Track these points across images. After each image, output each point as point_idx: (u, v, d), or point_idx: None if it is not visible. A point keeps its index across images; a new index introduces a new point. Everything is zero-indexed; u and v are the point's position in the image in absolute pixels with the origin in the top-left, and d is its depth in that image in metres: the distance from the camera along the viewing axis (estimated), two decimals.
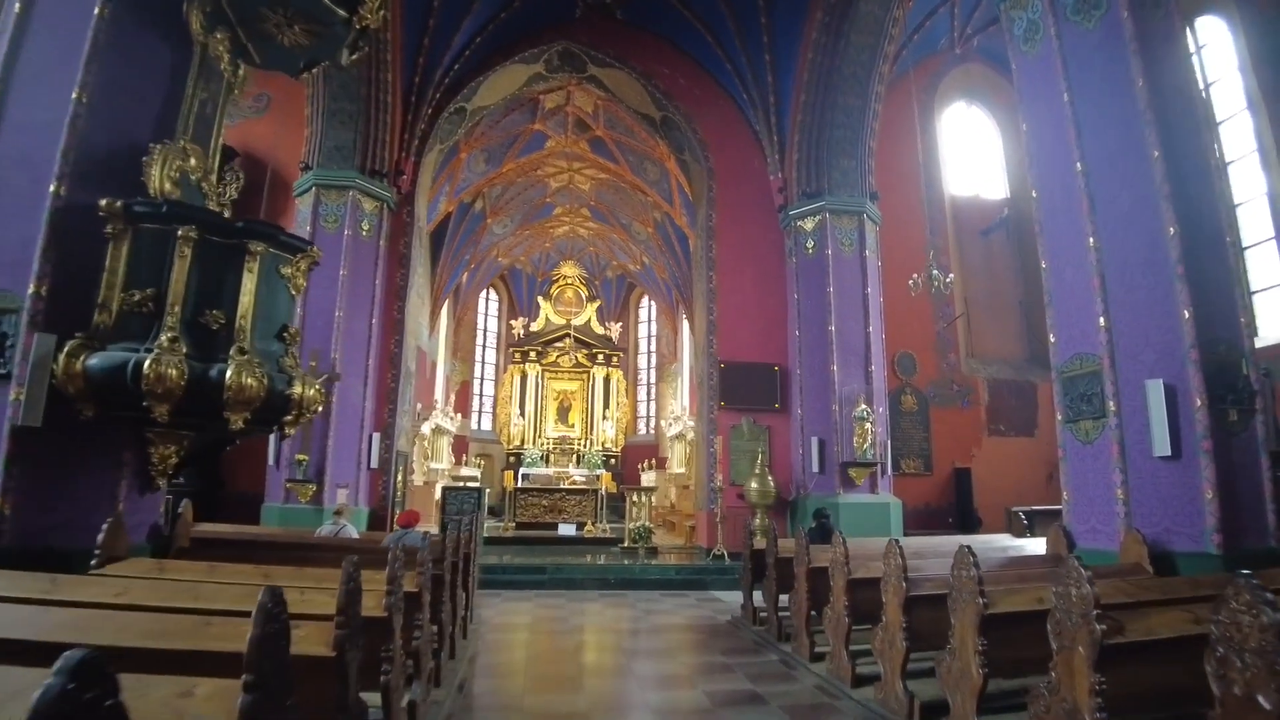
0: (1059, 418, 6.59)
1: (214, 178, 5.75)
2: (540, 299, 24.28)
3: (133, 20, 5.09)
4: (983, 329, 14.37)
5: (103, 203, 4.65)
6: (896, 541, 4.90)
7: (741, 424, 12.14)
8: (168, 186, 5.02)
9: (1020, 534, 8.46)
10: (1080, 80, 6.37)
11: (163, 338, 4.54)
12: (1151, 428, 5.60)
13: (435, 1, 11.76)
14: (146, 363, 4.40)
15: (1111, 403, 5.91)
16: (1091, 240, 6.10)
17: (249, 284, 4.96)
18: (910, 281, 10.24)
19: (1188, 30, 11.22)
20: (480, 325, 25.48)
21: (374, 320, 11.52)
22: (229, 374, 4.61)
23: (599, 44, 13.67)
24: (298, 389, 5.04)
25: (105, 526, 4.42)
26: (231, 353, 4.72)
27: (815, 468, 11.34)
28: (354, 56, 6.46)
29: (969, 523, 12.64)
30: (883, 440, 11.57)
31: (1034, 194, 6.92)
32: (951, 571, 4.19)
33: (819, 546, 6.45)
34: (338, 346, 10.85)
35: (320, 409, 5.45)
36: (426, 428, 17.52)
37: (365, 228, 11.59)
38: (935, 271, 9.83)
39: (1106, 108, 6.15)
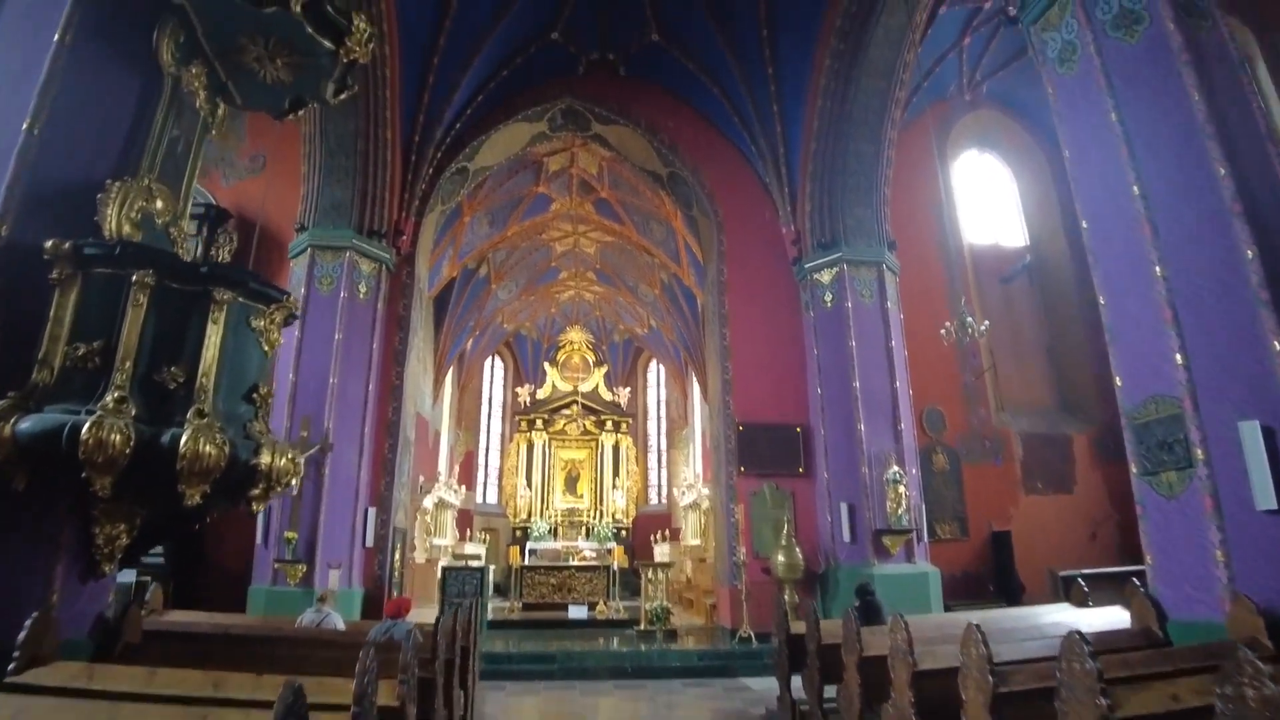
0: (1134, 470, 5.85)
1: (184, 223, 5.20)
2: (546, 365, 23.72)
3: (97, 48, 4.61)
4: (1010, 380, 13.68)
5: (48, 244, 4.07)
6: (977, 627, 4.10)
7: (763, 490, 11.32)
8: (126, 228, 4.45)
9: (1081, 602, 7.57)
10: (1128, 97, 5.86)
11: (108, 398, 3.89)
12: (1251, 476, 4.85)
13: (435, 58, 11.55)
14: (85, 426, 3.73)
15: (1198, 449, 5.17)
16: (1157, 268, 5.47)
17: (214, 337, 4.33)
18: (942, 330, 9.62)
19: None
20: (485, 393, 24.87)
21: (370, 385, 10.89)
22: (184, 440, 3.92)
23: (602, 99, 13.45)
24: (266, 458, 4.34)
25: (29, 623, 3.68)
26: (189, 415, 4.05)
27: (846, 536, 10.48)
28: (342, 96, 5.98)
29: (1011, 590, 11.68)
30: (917, 504, 10.74)
31: (1083, 223, 6.33)
32: (1059, 663, 3.39)
33: (870, 630, 5.61)
34: (331, 413, 10.19)
35: (294, 481, 4.73)
36: (429, 501, 16.69)
37: (362, 289, 11.08)
38: (969, 319, 9.20)
39: (1161, 124, 5.62)
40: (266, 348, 4.76)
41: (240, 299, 4.51)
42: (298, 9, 4.93)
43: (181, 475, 3.95)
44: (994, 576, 11.96)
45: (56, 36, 4.40)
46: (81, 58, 4.51)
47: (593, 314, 24.73)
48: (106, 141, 4.64)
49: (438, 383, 19.49)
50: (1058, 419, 13.53)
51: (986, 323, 9.73)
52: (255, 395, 4.59)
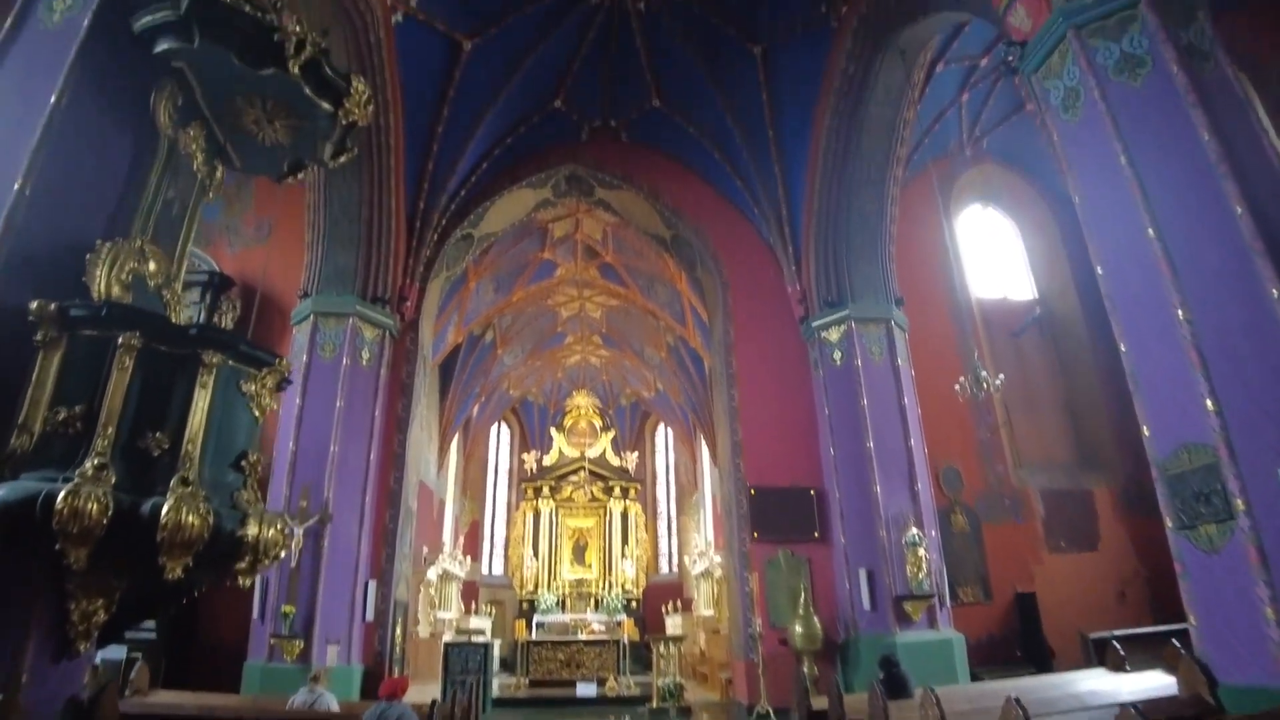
0: (1169, 524, 5.54)
1: (178, 286, 5.09)
2: (553, 430, 23.46)
3: (93, 109, 4.59)
4: (1026, 435, 13.35)
5: (34, 305, 3.95)
6: (1016, 701, 3.77)
7: (778, 557, 10.91)
8: (116, 290, 4.34)
9: (1117, 667, 7.14)
10: (1137, 139, 5.81)
11: (87, 464, 3.70)
12: None
13: (439, 127, 11.72)
14: (61, 495, 3.53)
15: (1238, 499, 4.90)
16: (1180, 311, 5.29)
17: (201, 402, 4.16)
18: (956, 386, 9.38)
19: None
20: (491, 460, 24.55)
21: (372, 454, 10.65)
22: (165, 509, 3.71)
23: (605, 165, 13.59)
24: (253, 529, 4.11)
25: None
26: (173, 483, 3.84)
27: (866, 604, 10.02)
28: (341, 158, 5.96)
29: (1040, 655, 11.11)
30: (938, 567, 10.32)
31: (1098, 268, 6.18)
32: None
33: (897, 704, 5.23)
34: (331, 482, 9.94)
35: (283, 553, 4.47)
36: (433, 573, 16.23)
37: (365, 356, 10.97)
38: (984, 373, 9.00)
39: (1172, 165, 5.56)
40: (257, 413, 4.57)
41: (230, 362, 4.36)
42: (295, 70, 4.93)
43: (162, 547, 3.72)
44: (1021, 641, 11.40)
45: (53, 98, 4.39)
46: (76, 119, 4.49)
47: (599, 378, 24.60)
48: (99, 202, 4.58)
49: (442, 450, 19.24)
50: (1078, 474, 13.15)
51: (1001, 376, 9.50)
52: (244, 462, 4.39)
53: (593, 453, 22.92)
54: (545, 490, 22.46)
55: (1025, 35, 6.90)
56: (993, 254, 15.11)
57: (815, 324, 11.81)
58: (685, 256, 14.11)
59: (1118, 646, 7.48)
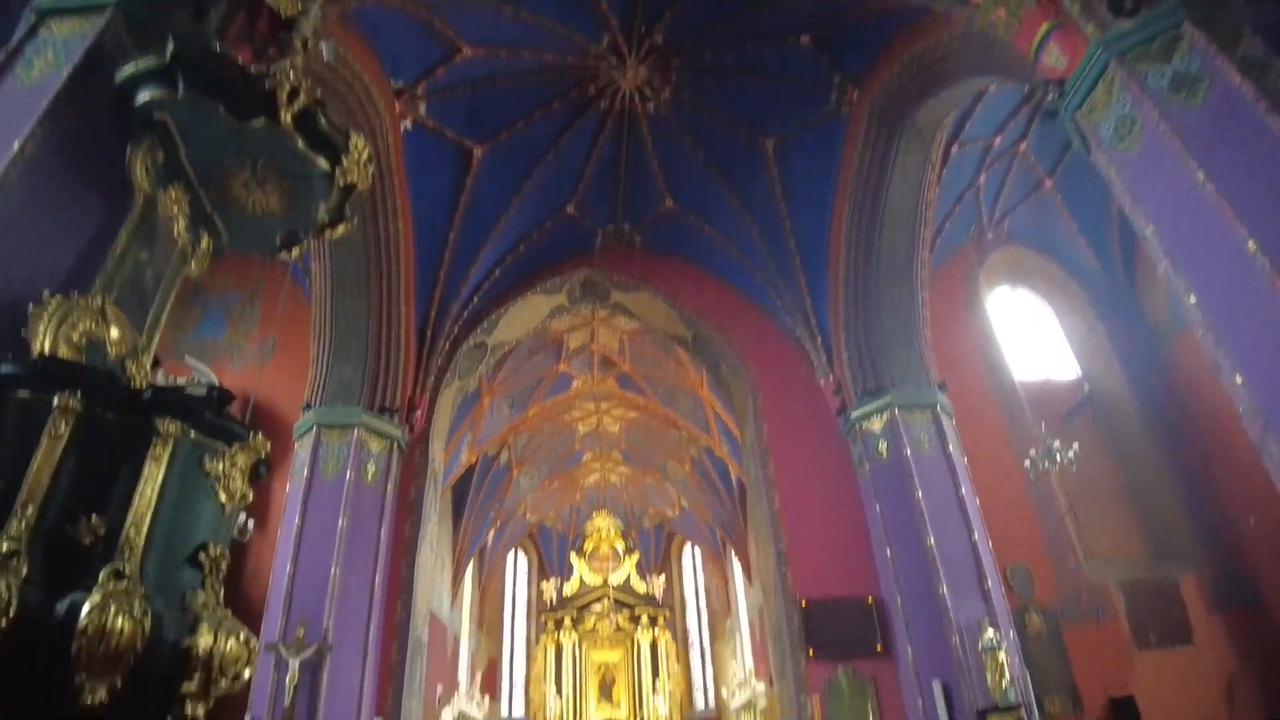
0: None
1: (147, 361, 4.42)
2: (574, 555, 22.10)
3: (60, 162, 4.12)
4: (1093, 525, 12.10)
5: None
6: None
7: (838, 677, 9.55)
8: (63, 350, 3.67)
9: None
10: (1212, 158, 5.25)
11: None
12: None
13: (451, 234, 11.48)
14: None
15: None
16: None
17: (152, 479, 3.42)
18: (1026, 462, 8.44)
19: None
20: (508, 591, 23.06)
21: (376, 579, 9.61)
22: (86, 609, 2.88)
23: (620, 268, 13.28)
24: (204, 639, 3.22)
25: None
26: (101, 576, 3.03)
27: None
28: (340, 229, 5.49)
29: None
30: (1020, 673, 8.96)
31: (1190, 298, 5.45)
32: None
33: None
34: (331, 610, 8.88)
35: (248, 674, 3.54)
36: (448, 715, 14.64)
37: (370, 471, 10.16)
38: (1056, 444, 8.07)
39: (1259, 176, 4.96)
40: (224, 499, 3.79)
41: (193, 434, 3.64)
42: (288, 120, 4.50)
43: (79, 660, 2.86)
44: None
45: (16, 145, 3.92)
46: (39, 171, 3.99)
47: (620, 499, 23.48)
48: (55, 256, 4.01)
49: (456, 581, 18.00)
50: (1155, 564, 11.82)
51: (1076, 445, 8.54)
52: (203, 557, 3.56)
53: (616, 579, 21.45)
54: (567, 621, 20.84)
55: (1062, 74, 6.52)
56: (1029, 335, 14.45)
57: (854, 415, 10.98)
58: (708, 356, 13.52)
59: None
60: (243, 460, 3.88)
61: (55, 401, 3.26)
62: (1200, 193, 5.24)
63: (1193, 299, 5.43)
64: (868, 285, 11.48)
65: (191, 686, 3.25)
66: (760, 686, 16.01)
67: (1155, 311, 13.75)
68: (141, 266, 4.49)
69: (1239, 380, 5.07)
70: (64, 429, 3.26)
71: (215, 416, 3.74)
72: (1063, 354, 14.30)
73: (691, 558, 24.39)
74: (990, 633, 8.75)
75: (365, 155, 5.01)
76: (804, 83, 10.74)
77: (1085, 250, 14.33)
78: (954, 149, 11.83)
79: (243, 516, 9.34)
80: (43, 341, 3.60)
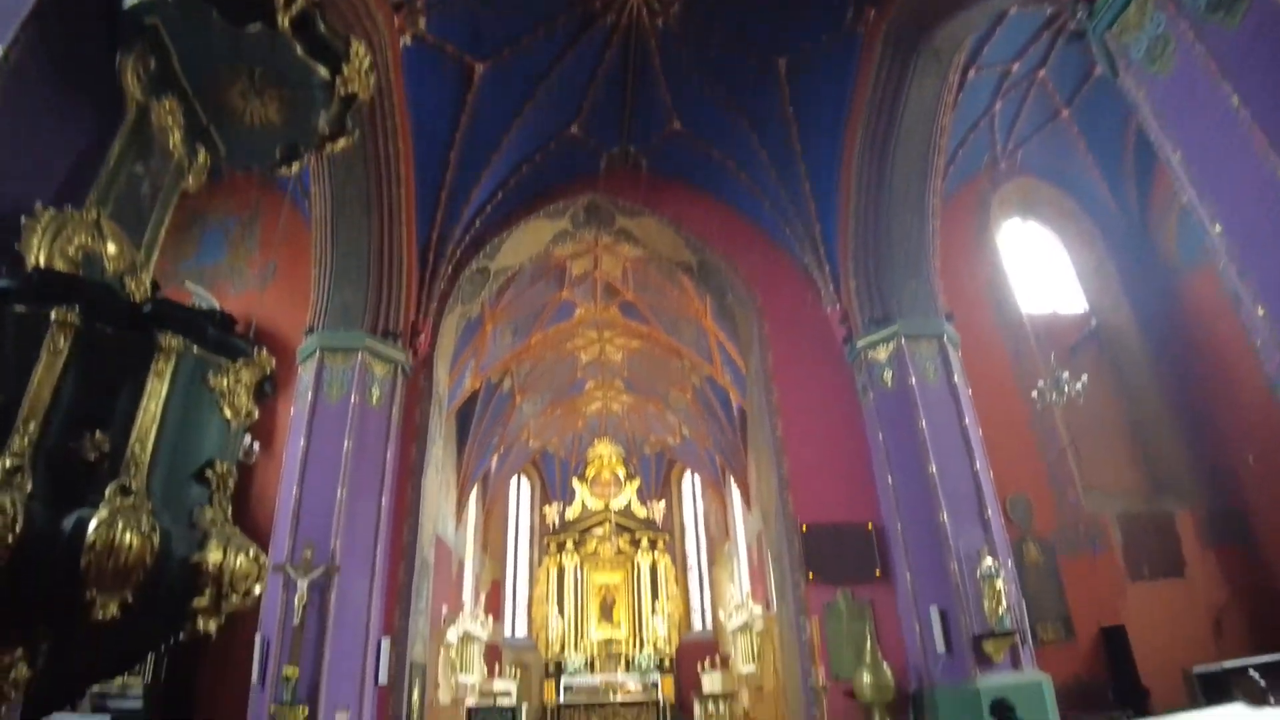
0: None
1: (147, 278, 4.31)
2: (575, 481, 22.41)
3: (49, 69, 3.92)
4: (1094, 459, 12.21)
5: None
6: None
7: (837, 600, 9.77)
8: (59, 264, 3.56)
9: (1258, 700, 6.01)
10: (1249, 82, 4.99)
11: None
12: None
13: (452, 154, 11.14)
14: None
15: None
16: None
17: (156, 395, 3.33)
18: (1035, 393, 8.40)
19: None
20: (511, 515, 23.46)
21: (383, 501, 9.72)
22: (94, 524, 2.84)
23: (625, 193, 12.99)
24: (214, 555, 3.20)
25: None
26: (108, 492, 2.98)
27: (940, 646, 8.83)
28: (341, 142, 5.27)
29: (1134, 696, 9.81)
30: (1017, 600, 9.17)
31: (1215, 227, 5.29)
32: None
33: None
34: (338, 532, 9.01)
35: (258, 589, 3.53)
36: (453, 634, 15.06)
37: (375, 394, 10.15)
38: (1065, 375, 8.01)
39: None
40: (229, 415, 3.71)
41: (195, 349, 3.54)
42: (285, 25, 4.26)
43: (89, 575, 2.83)
44: (1113, 681, 10.10)
45: (0, 51, 3.70)
46: (26, 78, 3.79)
47: (621, 426, 23.63)
48: (46, 169, 3.85)
49: (461, 505, 18.25)
50: (1156, 498, 11.99)
51: (1085, 377, 8.49)
52: (210, 473, 3.51)
53: (617, 504, 21.80)
54: (569, 544, 21.28)
55: None
56: (1038, 268, 14.26)
57: (860, 344, 10.91)
58: (714, 284, 13.34)
59: (1256, 677, 6.33)
60: (247, 376, 3.78)
61: (53, 316, 3.14)
62: (1233, 118, 5.02)
63: (1218, 229, 5.27)
64: (878, 212, 11.23)
65: (203, 601, 3.24)
66: (757, 609, 16.43)
67: (1167, 249, 13.56)
68: (137, 180, 4.31)
69: (1261, 313, 4.96)
70: (63, 344, 3.15)
71: (218, 332, 3.63)
72: (1071, 288, 14.15)
73: (691, 485, 24.73)
74: (989, 561, 8.90)
75: (366, 63, 4.76)
76: None
77: (1099, 184, 14.04)
78: (970, 73, 11.44)
79: (248, 438, 9.38)
80: (37, 255, 3.48)
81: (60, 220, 3.64)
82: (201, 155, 4.92)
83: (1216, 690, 8.84)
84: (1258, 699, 6.09)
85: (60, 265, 3.55)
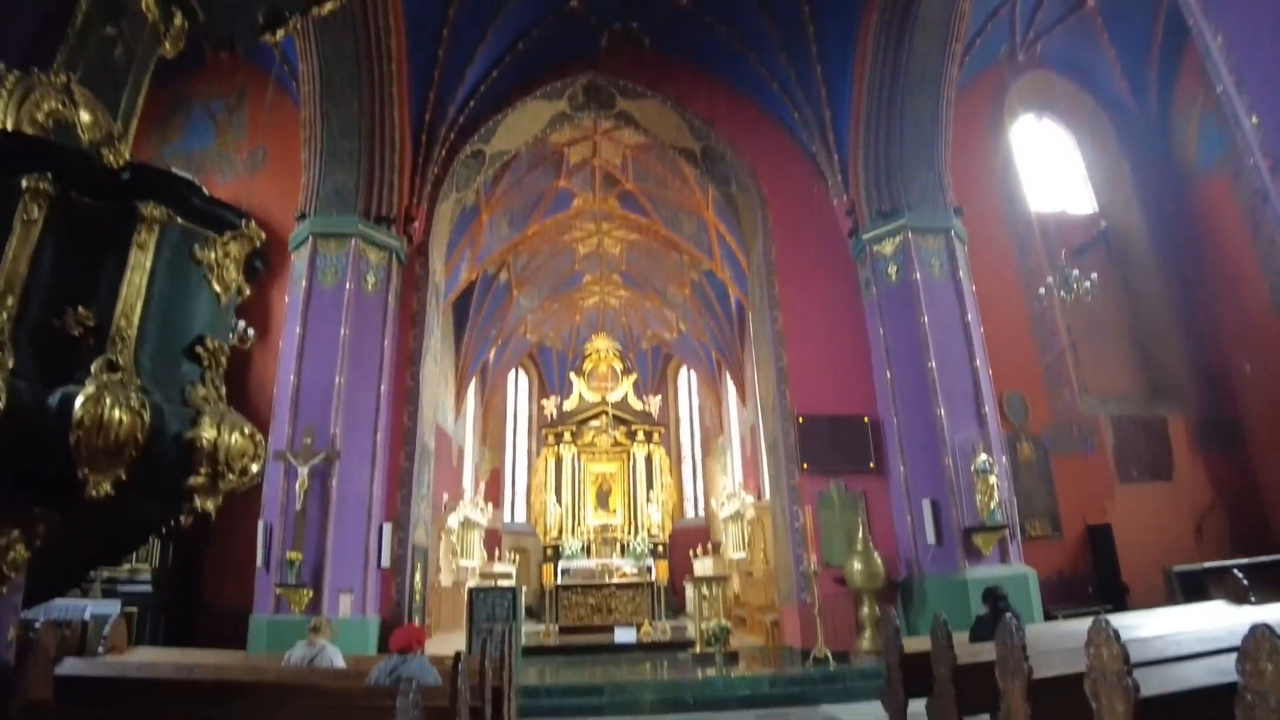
0: None
1: (125, 149, 4.03)
2: (573, 375, 22.50)
3: None
4: (1092, 361, 12.21)
5: None
6: (1264, 630, 2.76)
7: (830, 490, 9.97)
8: (28, 130, 3.30)
9: (1239, 598, 6.18)
10: None
11: None
12: None
13: (445, 30, 10.50)
14: None
15: None
16: None
17: (139, 268, 3.14)
18: (1042, 289, 8.26)
19: None
20: (510, 407, 23.71)
21: (382, 388, 9.72)
22: (80, 400, 2.73)
23: (627, 73, 12.33)
24: (208, 431, 3.10)
25: None
26: (94, 367, 2.86)
27: (930, 538, 9.08)
28: (329, 6, 4.87)
29: (1114, 592, 10.20)
30: (1008, 496, 9.35)
31: (1251, 119, 4.98)
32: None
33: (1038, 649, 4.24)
34: (338, 421, 9.04)
35: (255, 468, 3.47)
36: (454, 520, 15.48)
37: (370, 281, 9.97)
38: (1075, 273, 7.84)
39: None
40: (219, 289, 3.52)
41: (179, 220, 3.32)
42: None
43: (79, 453, 2.75)
44: (1095, 577, 10.48)
45: None
46: None
47: (619, 321, 23.56)
48: (9, 30, 3.53)
49: (460, 397, 18.37)
50: (1150, 402, 12.06)
51: (1094, 275, 8.33)
52: (202, 350, 3.38)
53: (614, 397, 21.95)
54: (566, 436, 21.60)
55: None
56: (1049, 166, 13.79)
57: (866, 237, 10.67)
58: (718, 172, 12.89)
59: (1239, 575, 6.49)
60: (235, 250, 3.57)
61: (24, 184, 2.92)
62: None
63: (1253, 120, 4.94)
64: (892, 100, 10.74)
65: (199, 480, 3.17)
66: (748, 499, 16.84)
67: (1184, 152, 13.09)
68: (109, 43, 3.95)
69: None
70: (36, 214, 2.94)
71: (203, 202, 3.40)
72: (1081, 188, 13.74)
73: (687, 380, 24.93)
74: (983, 456, 9.01)
75: None
76: None
77: (1120, 81, 13.42)
78: None
79: (242, 324, 9.24)
80: (3, 119, 3.20)
81: (27, 84, 3.34)
82: (178, 18, 4.51)
83: (1194, 589, 9.14)
84: (1239, 597, 6.24)
85: (30, 130, 3.28)
